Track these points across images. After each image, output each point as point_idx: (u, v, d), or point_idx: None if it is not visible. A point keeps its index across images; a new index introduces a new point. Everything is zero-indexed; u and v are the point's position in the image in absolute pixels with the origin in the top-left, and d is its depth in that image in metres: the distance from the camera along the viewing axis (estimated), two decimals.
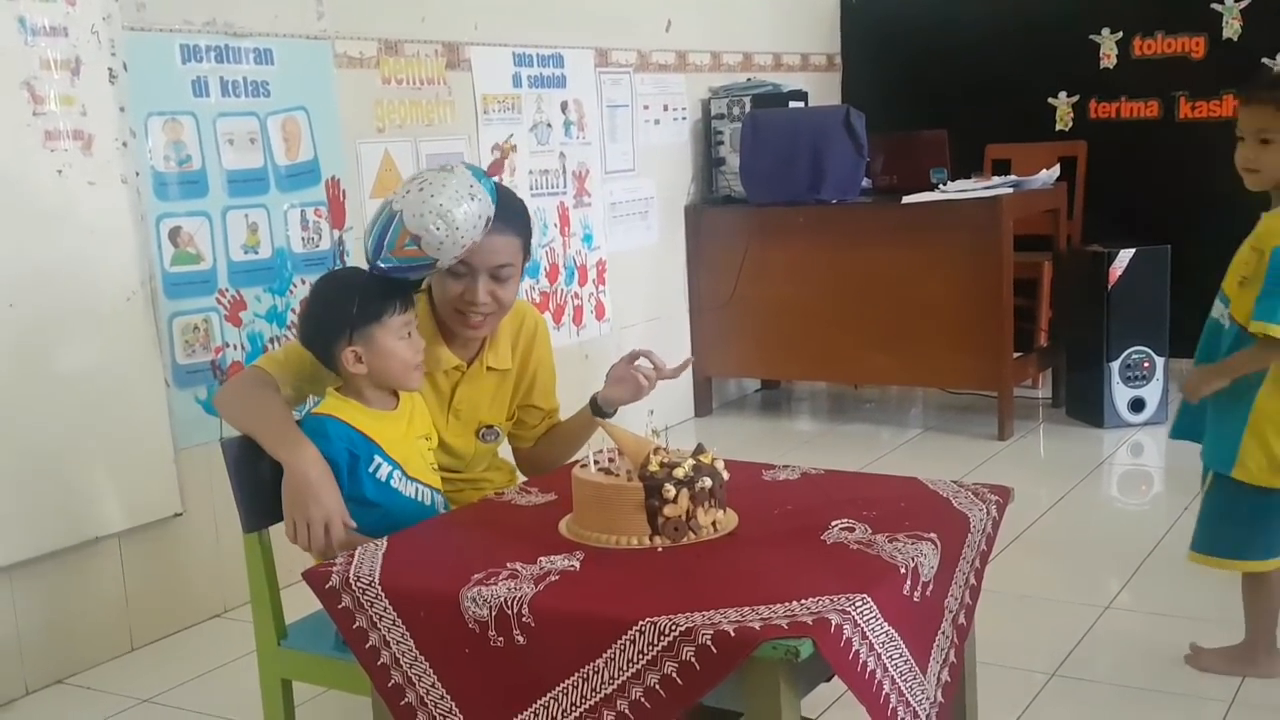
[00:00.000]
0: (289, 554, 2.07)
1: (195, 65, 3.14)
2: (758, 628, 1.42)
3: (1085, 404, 4.67)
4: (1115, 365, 4.52)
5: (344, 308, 2.04)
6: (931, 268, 4.57)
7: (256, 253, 3.30)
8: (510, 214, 2.23)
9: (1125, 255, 4.46)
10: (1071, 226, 5.23)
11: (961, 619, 1.73)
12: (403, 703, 1.67)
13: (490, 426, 2.36)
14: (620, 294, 4.72)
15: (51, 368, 2.84)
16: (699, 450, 1.82)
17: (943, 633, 1.67)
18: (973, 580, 1.76)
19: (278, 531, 2.04)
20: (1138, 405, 4.55)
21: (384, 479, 2.07)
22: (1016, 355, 4.69)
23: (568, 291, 4.48)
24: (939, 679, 1.65)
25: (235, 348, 3.25)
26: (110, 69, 2.94)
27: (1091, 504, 3.85)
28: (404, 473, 2.10)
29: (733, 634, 1.42)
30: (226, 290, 3.23)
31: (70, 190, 2.86)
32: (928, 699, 1.61)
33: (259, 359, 2.23)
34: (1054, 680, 2.61)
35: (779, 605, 1.47)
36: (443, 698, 1.64)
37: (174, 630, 3.11)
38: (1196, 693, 2.53)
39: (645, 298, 4.89)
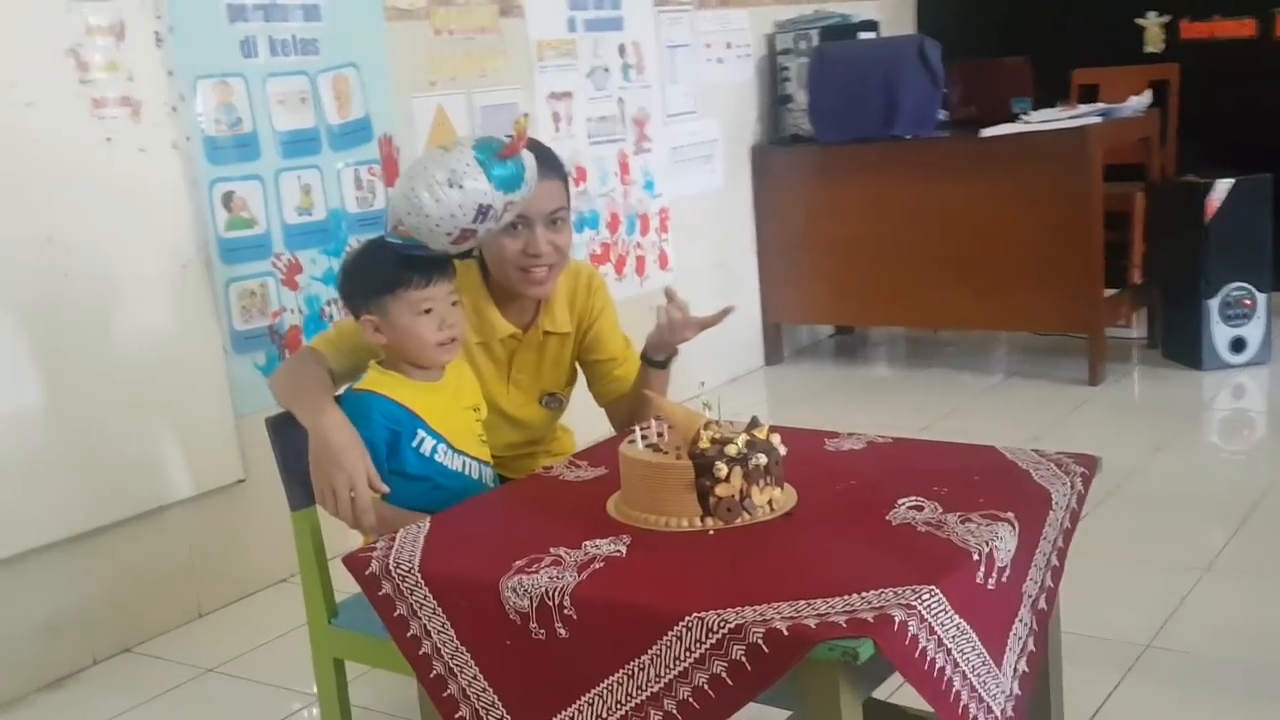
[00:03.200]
0: (340, 528, 2.01)
1: (243, 25, 3.07)
2: (813, 626, 1.31)
3: (1182, 344, 4.43)
4: (1214, 303, 4.27)
5: (363, 276, 1.99)
6: (1014, 204, 4.35)
7: (311, 214, 3.24)
8: (545, 160, 2.12)
9: (1223, 185, 4.19)
10: (1164, 155, 4.96)
11: (1042, 604, 1.60)
12: (445, 694, 1.60)
13: (553, 394, 2.27)
14: (684, 241, 4.59)
15: (109, 338, 2.82)
16: (753, 424, 1.71)
17: (1020, 620, 1.55)
18: (1055, 561, 1.63)
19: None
20: (1239, 345, 4.31)
21: (428, 453, 2.00)
22: (1108, 293, 4.47)
23: (629, 242, 4.36)
24: (1016, 670, 1.53)
25: (293, 311, 3.20)
26: (156, 32, 2.88)
27: (1189, 453, 3.65)
28: (449, 445, 2.02)
29: (786, 633, 1.31)
30: (282, 254, 3.18)
31: (120, 158, 2.81)
32: (1003, 693, 1.49)
33: (313, 339, 2.17)
34: (1148, 652, 2.45)
35: (837, 599, 1.36)
36: (485, 690, 1.57)
37: (242, 595, 3.11)
38: None
39: (710, 244, 4.74)
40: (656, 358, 2.18)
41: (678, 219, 4.55)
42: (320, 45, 3.24)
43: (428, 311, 1.96)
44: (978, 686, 1.43)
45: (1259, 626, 2.52)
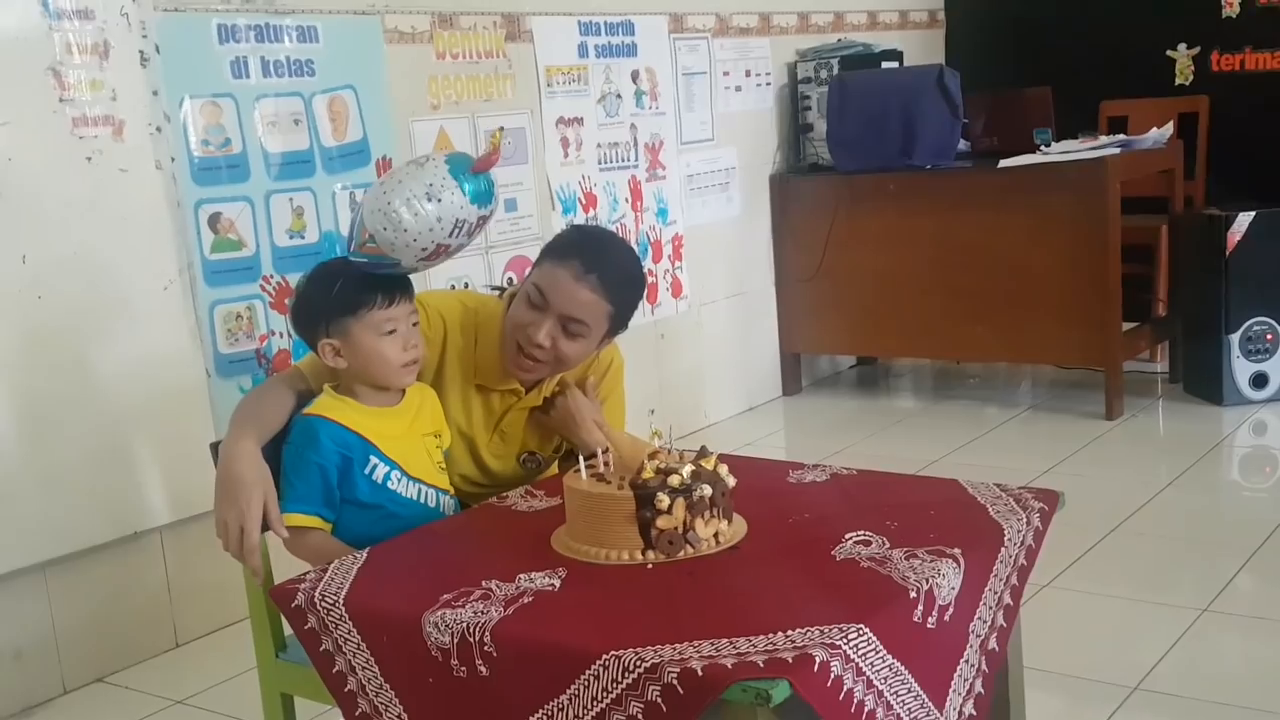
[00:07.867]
0: (288, 558, 1.96)
1: (233, 45, 3.05)
2: (730, 666, 1.23)
3: (1204, 380, 4.29)
4: (1235, 338, 4.14)
5: (321, 299, 1.93)
6: (1033, 236, 4.26)
7: (303, 237, 3.21)
8: (612, 274, 1.97)
9: (1244, 219, 4.07)
10: (1194, 188, 4.84)
11: (993, 644, 1.51)
12: None
13: (533, 454, 2.17)
14: (700, 270, 4.52)
15: (87, 360, 2.79)
16: (702, 454, 1.64)
17: (966, 661, 1.46)
18: (1008, 600, 1.54)
19: (273, 537, 1.93)
20: (1260, 381, 4.17)
21: (381, 480, 1.94)
22: (1130, 327, 4.35)
23: None
24: (961, 713, 1.44)
25: (281, 335, 3.16)
26: (141, 52, 2.86)
27: (1199, 491, 3.51)
28: (404, 472, 1.96)
29: (700, 673, 1.23)
30: (271, 276, 3.15)
31: (101, 178, 2.79)
32: None
33: (303, 358, 2.12)
34: (1135, 695, 2.33)
35: (761, 637, 1.28)
36: None
37: (222, 625, 3.04)
38: None
39: (727, 273, 4.67)
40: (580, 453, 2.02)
41: (693, 247, 4.49)
42: (316, 66, 3.21)
43: (391, 332, 1.90)
44: None
45: (1249, 670, 2.41)
